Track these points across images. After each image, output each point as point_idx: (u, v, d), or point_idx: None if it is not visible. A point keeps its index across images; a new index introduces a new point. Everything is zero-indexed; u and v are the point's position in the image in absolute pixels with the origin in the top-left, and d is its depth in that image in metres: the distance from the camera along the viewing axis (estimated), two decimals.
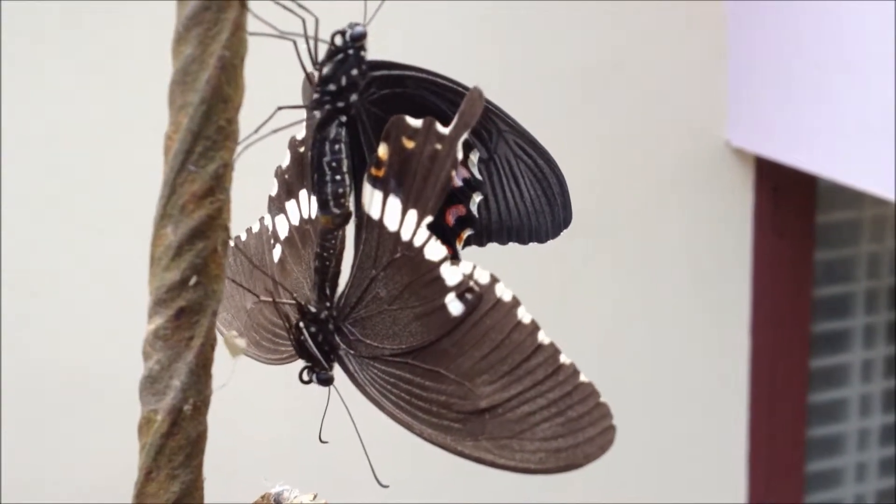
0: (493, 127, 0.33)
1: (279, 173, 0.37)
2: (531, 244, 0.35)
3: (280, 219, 0.36)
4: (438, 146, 0.30)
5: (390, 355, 0.31)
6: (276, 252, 0.36)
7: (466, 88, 0.32)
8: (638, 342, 1.38)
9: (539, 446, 0.30)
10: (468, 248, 0.34)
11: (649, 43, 1.32)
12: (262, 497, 0.31)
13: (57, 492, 1.18)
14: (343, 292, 0.33)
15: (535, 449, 0.30)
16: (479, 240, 0.34)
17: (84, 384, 1.22)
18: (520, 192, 0.34)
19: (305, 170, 0.34)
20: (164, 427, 0.27)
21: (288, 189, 0.36)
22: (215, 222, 0.27)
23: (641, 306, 1.39)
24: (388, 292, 0.31)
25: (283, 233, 0.36)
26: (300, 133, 0.35)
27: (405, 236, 0.31)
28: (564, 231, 0.35)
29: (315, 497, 0.31)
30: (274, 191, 0.37)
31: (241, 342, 0.28)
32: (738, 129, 1.37)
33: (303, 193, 0.35)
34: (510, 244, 0.35)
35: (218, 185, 0.27)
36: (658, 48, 1.33)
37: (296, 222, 0.36)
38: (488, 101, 0.32)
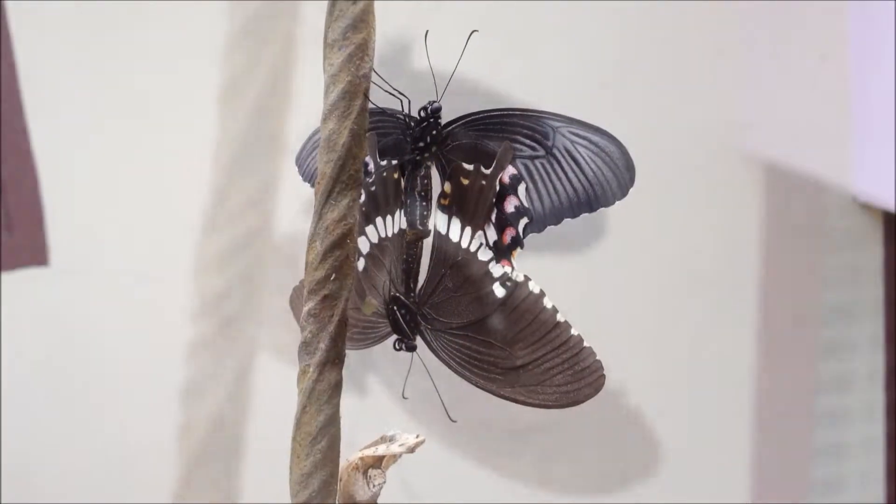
0: (547, 128, 0.44)
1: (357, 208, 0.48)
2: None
3: (361, 240, 0.47)
4: (483, 182, 0.44)
5: (456, 328, 0.45)
6: (361, 263, 0.47)
7: (517, 110, 0.44)
8: (771, 395, 1.42)
9: (555, 390, 0.44)
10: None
11: (774, 101, 1.38)
12: (381, 437, 0.44)
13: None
14: (422, 285, 0.46)
15: (552, 392, 0.44)
16: (537, 227, 0.45)
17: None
18: (581, 171, 0.43)
19: (379, 203, 0.46)
20: (314, 376, 0.41)
21: (366, 217, 0.47)
22: (348, 238, 0.41)
23: (769, 361, 1.43)
24: (454, 284, 0.45)
25: (365, 249, 0.48)
26: (370, 178, 0.47)
27: (464, 245, 0.45)
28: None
29: (417, 436, 0.44)
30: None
31: (375, 302, 0.42)
32: (864, 184, 1.41)
33: (379, 220, 0.47)
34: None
35: (349, 213, 0.41)
36: (782, 106, 1.38)
37: (375, 240, 0.48)
38: (540, 111, 0.44)
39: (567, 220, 0.45)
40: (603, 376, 0.44)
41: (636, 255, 1.40)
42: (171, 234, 1.30)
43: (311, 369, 0.41)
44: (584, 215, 0.45)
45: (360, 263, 0.49)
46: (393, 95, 0.44)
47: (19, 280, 1.30)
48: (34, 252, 1.31)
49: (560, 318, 0.44)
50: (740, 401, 1.45)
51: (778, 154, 1.39)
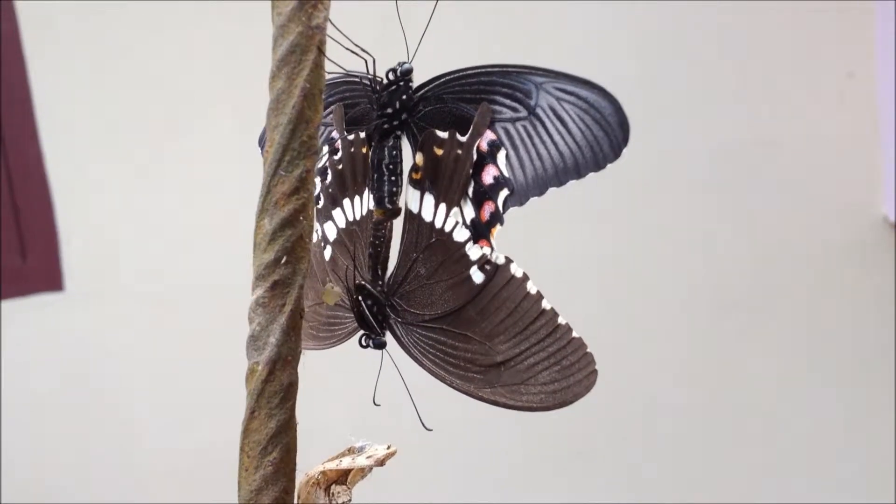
0: (529, 85, 0.38)
1: (323, 188, 0.44)
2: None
3: (328, 225, 0.43)
4: (459, 151, 0.38)
5: (429, 321, 0.39)
6: (328, 252, 0.43)
7: (496, 67, 0.39)
8: (800, 415, 1.37)
9: (540, 389, 0.38)
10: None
11: (802, 119, 1.35)
12: (349, 449, 0.38)
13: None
14: (392, 272, 0.41)
15: (536, 391, 0.38)
16: (519, 200, 0.40)
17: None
18: (568, 131, 0.39)
19: (346, 183, 0.42)
20: (263, 375, 0.35)
21: (333, 200, 0.43)
22: (301, 214, 0.35)
23: (802, 381, 1.38)
24: (427, 270, 0.39)
25: (332, 236, 0.43)
26: (337, 154, 0.42)
27: (438, 224, 0.39)
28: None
29: (388, 447, 0.38)
30: (320, 204, 0.44)
31: (337, 290, 0.36)
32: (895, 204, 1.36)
33: (346, 202, 0.42)
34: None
35: (302, 186, 0.35)
36: (810, 124, 1.35)
37: (342, 225, 0.43)
38: (520, 65, 0.38)
39: (552, 190, 0.39)
40: (595, 372, 0.38)
41: (662, 270, 1.36)
42: (190, 250, 1.29)
43: (259, 367, 0.35)
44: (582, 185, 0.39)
45: (328, 252, 0.44)
46: (354, 53, 0.38)
47: (34, 306, 1.28)
48: (49, 278, 1.29)
49: (546, 304, 0.38)
50: (769, 417, 1.40)
51: (806, 172, 1.36)
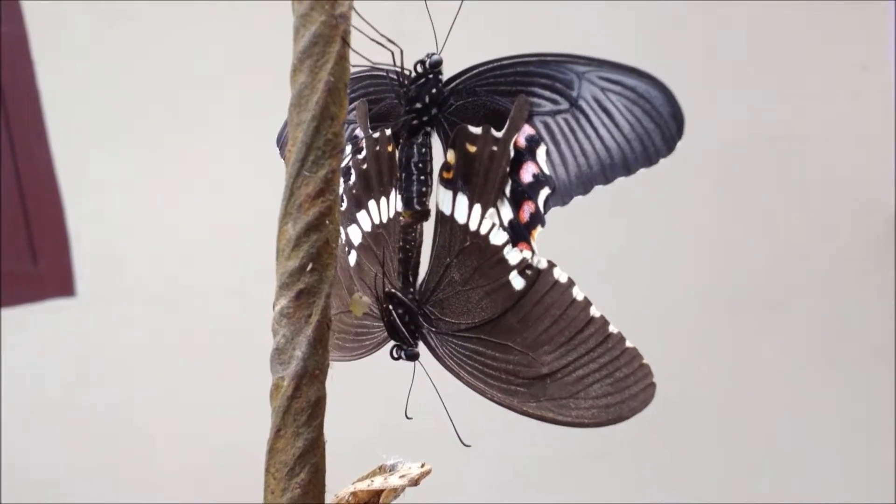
0: (570, 75, 0.35)
1: (346, 190, 0.41)
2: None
3: (353, 228, 0.41)
4: (494, 148, 0.35)
5: (466, 330, 0.36)
6: (353, 257, 0.41)
7: (533, 56, 0.36)
8: (818, 415, 1.35)
9: (592, 403, 0.35)
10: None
11: (815, 115, 1.32)
12: (380, 468, 0.36)
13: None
14: (424, 279, 0.38)
15: (588, 406, 0.35)
16: (561, 199, 0.37)
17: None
18: (615, 124, 0.35)
19: (372, 183, 0.39)
20: (289, 390, 0.33)
21: (357, 202, 0.41)
22: (327, 218, 0.33)
23: (817, 381, 1.36)
24: (461, 275, 0.36)
25: (356, 240, 0.41)
26: (361, 153, 0.39)
27: (473, 227, 0.36)
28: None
29: (423, 465, 0.35)
30: (344, 206, 0.41)
31: (365, 300, 0.34)
32: None
33: (371, 203, 0.40)
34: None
35: (328, 187, 0.33)
36: (824, 120, 1.33)
37: (368, 228, 0.40)
38: (560, 54, 0.35)
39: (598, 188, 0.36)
40: (653, 385, 0.35)
41: (679, 268, 1.33)
42: (203, 253, 1.27)
43: (285, 382, 0.33)
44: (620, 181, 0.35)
45: (352, 257, 0.41)
46: (380, 45, 0.36)
47: (47, 311, 1.26)
48: (61, 283, 1.27)
49: (595, 312, 0.35)
50: (783, 414, 1.38)
51: (821, 169, 1.33)
